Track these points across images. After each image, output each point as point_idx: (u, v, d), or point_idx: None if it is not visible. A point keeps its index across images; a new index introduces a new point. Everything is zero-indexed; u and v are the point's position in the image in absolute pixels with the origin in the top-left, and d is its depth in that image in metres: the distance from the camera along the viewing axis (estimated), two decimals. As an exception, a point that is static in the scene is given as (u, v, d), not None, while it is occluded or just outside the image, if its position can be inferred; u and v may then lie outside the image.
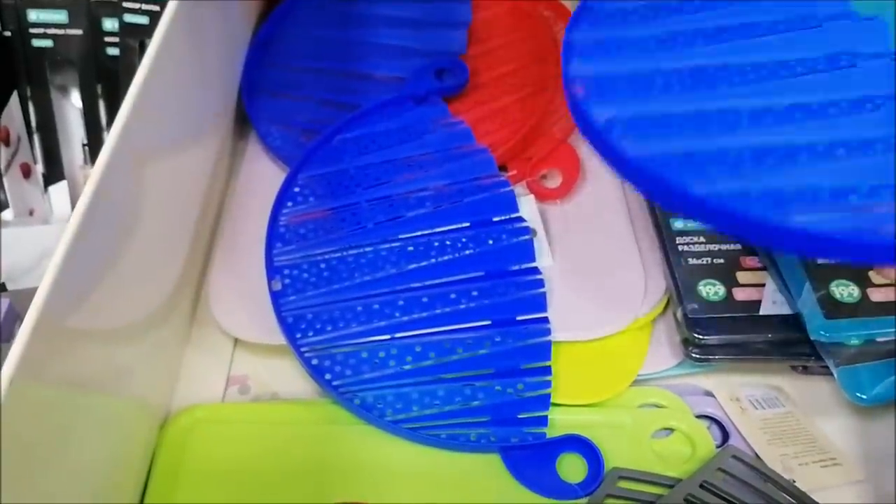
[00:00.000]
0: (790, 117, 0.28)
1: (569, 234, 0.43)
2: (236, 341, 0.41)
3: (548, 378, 0.37)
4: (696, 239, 0.41)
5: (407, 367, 0.37)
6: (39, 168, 0.45)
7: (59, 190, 0.44)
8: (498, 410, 0.36)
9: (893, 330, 0.36)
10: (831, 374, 0.37)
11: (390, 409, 0.36)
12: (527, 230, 0.41)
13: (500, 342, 0.37)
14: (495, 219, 0.41)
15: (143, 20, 0.45)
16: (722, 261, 0.40)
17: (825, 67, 0.29)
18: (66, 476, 0.27)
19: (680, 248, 0.40)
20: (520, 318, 0.38)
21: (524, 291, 0.39)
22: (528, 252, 0.40)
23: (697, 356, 0.38)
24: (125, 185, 0.30)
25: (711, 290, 0.39)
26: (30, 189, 0.44)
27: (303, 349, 0.37)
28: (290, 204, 0.42)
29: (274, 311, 0.38)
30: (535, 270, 0.39)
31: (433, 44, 0.49)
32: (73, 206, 0.43)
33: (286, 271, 0.40)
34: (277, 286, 0.39)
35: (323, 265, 0.40)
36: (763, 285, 0.39)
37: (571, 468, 0.35)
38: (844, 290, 0.37)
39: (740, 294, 0.39)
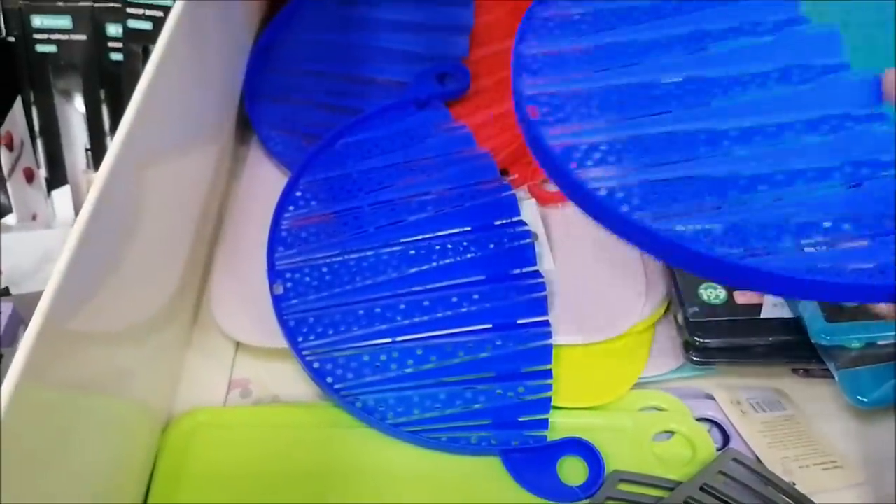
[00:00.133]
0: (748, 141, 0.27)
1: (570, 237, 0.43)
2: (238, 345, 0.41)
3: (548, 381, 0.37)
4: (696, 242, 0.41)
5: (408, 370, 0.37)
6: (42, 172, 0.45)
7: (62, 194, 0.44)
8: (499, 414, 0.36)
9: (894, 333, 0.36)
10: (832, 377, 0.37)
11: (391, 412, 0.36)
12: (528, 234, 0.41)
13: (502, 345, 0.37)
14: (497, 223, 0.41)
15: (147, 26, 0.45)
16: (723, 264, 0.40)
17: (777, 83, 0.28)
18: (69, 479, 0.27)
19: (680, 251, 0.40)
20: (521, 321, 0.38)
21: (525, 295, 0.39)
22: (529, 256, 0.40)
23: (698, 359, 0.38)
24: (128, 189, 0.30)
25: (712, 293, 0.39)
26: (33, 193, 0.44)
27: (304, 352, 0.37)
28: (291, 208, 0.42)
29: (275, 314, 0.38)
30: (537, 274, 0.39)
31: (435, 48, 0.49)
32: (76, 210, 0.44)
33: (288, 275, 0.40)
34: (279, 290, 0.39)
35: (325, 269, 0.40)
36: (763, 289, 0.39)
37: (572, 471, 0.35)
38: (845, 294, 0.37)
39: (741, 297, 0.39)
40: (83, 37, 0.45)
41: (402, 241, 0.41)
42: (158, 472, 0.35)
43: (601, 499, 0.34)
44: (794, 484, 0.34)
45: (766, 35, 0.29)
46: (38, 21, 0.45)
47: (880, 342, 0.36)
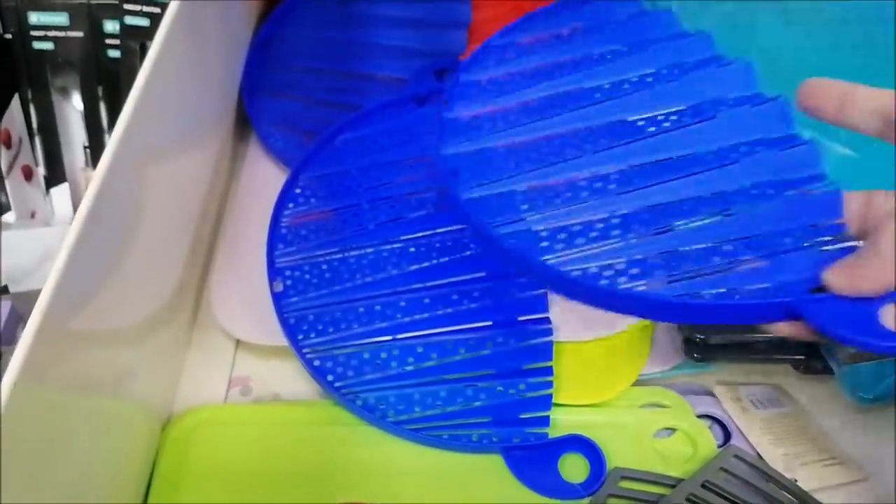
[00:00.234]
0: (655, 177, 0.28)
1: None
2: (238, 343, 0.41)
3: (549, 378, 0.37)
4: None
5: (409, 367, 0.37)
6: (41, 170, 0.45)
7: (61, 192, 0.44)
8: (500, 411, 0.36)
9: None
10: (832, 374, 0.37)
11: (392, 409, 0.36)
12: (528, 231, 0.41)
13: (502, 343, 0.37)
14: (496, 219, 0.41)
15: (144, 22, 0.45)
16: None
17: (691, 120, 0.29)
18: (69, 477, 0.27)
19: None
20: (521, 318, 0.38)
21: (525, 292, 0.39)
22: (529, 252, 0.40)
23: (699, 356, 0.38)
24: (127, 187, 0.30)
25: (713, 289, 0.38)
26: (31, 191, 0.44)
27: (304, 350, 0.37)
28: (291, 205, 0.42)
29: (276, 312, 0.38)
30: (537, 271, 0.39)
31: (434, 44, 0.49)
32: (75, 208, 0.44)
33: (288, 272, 0.40)
34: (279, 287, 0.39)
35: (324, 266, 0.40)
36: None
37: (573, 468, 0.35)
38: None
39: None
40: (80, 34, 0.45)
41: (402, 238, 0.40)
42: (159, 469, 0.35)
43: (603, 496, 0.34)
44: (796, 480, 0.34)
45: (683, 76, 0.31)
46: (34, 18, 0.45)
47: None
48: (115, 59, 0.45)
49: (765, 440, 0.37)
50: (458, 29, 0.50)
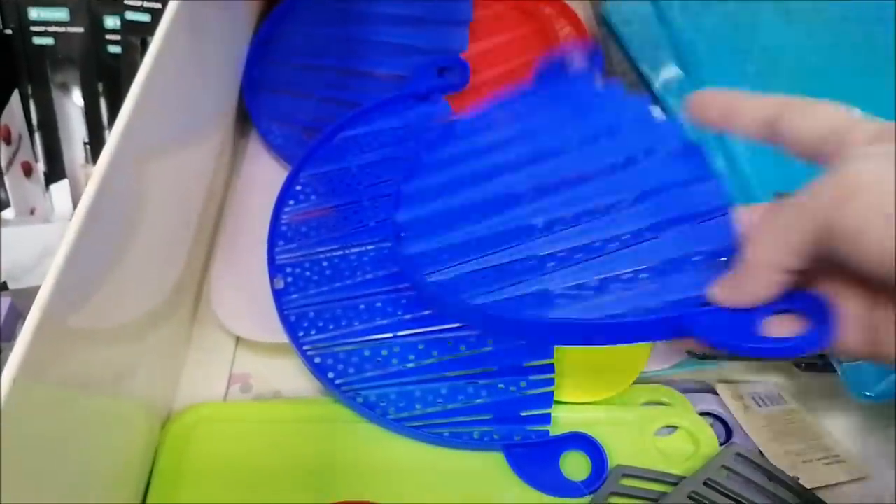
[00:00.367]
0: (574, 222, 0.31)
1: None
2: (238, 340, 0.41)
3: (551, 376, 0.37)
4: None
5: (409, 365, 0.37)
6: (41, 166, 0.45)
7: (61, 188, 0.44)
8: (501, 408, 0.36)
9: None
10: (834, 371, 0.37)
11: (393, 407, 0.36)
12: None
13: (503, 340, 0.37)
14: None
15: (145, 18, 0.45)
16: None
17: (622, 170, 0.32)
18: (69, 475, 0.27)
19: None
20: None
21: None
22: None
23: (701, 354, 0.38)
24: (127, 183, 0.30)
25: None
26: (31, 187, 0.44)
27: (305, 347, 0.37)
28: (291, 202, 0.42)
29: (276, 309, 0.38)
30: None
31: (434, 42, 0.49)
32: (75, 204, 0.43)
33: (288, 269, 0.40)
34: (279, 284, 0.39)
35: (325, 263, 0.40)
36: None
37: (575, 466, 0.35)
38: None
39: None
40: (80, 29, 0.45)
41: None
42: (159, 466, 0.35)
43: (604, 494, 0.34)
44: (798, 478, 0.34)
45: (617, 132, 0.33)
46: (34, 13, 0.44)
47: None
48: (115, 55, 0.45)
49: (766, 438, 0.37)
50: (459, 27, 0.49)
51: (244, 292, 0.41)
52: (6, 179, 0.41)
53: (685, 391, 0.39)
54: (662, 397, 0.39)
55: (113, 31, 0.45)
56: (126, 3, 0.44)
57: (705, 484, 0.34)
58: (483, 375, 0.37)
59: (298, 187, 0.42)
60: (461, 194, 0.34)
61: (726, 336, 0.24)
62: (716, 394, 0.39)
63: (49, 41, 0.45)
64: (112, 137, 0.28)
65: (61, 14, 0.44)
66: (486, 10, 0.51)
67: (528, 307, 0.29)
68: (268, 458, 0.36)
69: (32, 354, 0.23)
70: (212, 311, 0.41)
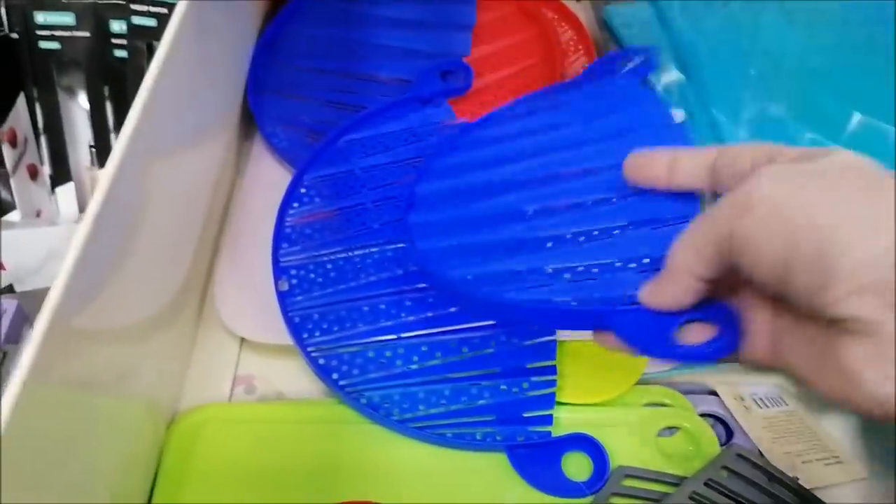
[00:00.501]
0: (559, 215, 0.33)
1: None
2: (242, 341, 0.41)
3: (553, 377, 0.37)
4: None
5: (413, 366, 0.37)
6: (46, 169, 0.45)
7: (66, 191, 0.44)
8: (503, 409, 0.36)
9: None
10: (835, 373, 0.37)
11: (397, 408, 0.36)
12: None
13: (506, 341, 0.38)
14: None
15: (151, 22, 0.45)
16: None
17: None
18: (75, 475, 0.27)
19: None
20: (525, 317, 0.38)
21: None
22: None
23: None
24: (135, 186, 0.30)
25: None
26: (37, 190, 0.44)
27: (309, 349, 0.37)
28: (296, 205, 0.42)
29: (280, 311, 0.38)
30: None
31: (438, 45, 0.49)
32: (80, 207, 0.44)
33: (293, 271, 0.40)
34: (284, 286, 0.39)
35: (329, 265, 0.40)
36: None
37: (577, 467, 0.36)
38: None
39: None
40: (86, 33, 0.45)
41: (406, 237, 0.40)
42: (164, 467, 0.36)
43: (606, 494, 0.34)
44: (798, 479, 0.35)
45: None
46: (41, 18, 0.45)
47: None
48: (121, 59, 0.45)
49: (767, 439, 0.37)
50: (463, 31, 0.50)
51: (249, 294, 0.41)
52: (12, 182, 0.42)
53: (686, 392, 0.39)
54: (664, 399, 0.39)
55: (119, 36, 0.45)
56: (132, 7, 0.45)
57: (706, 484, 0.34)
58: (486, 377, 0.37)
59: (303, 190, 0.43)
60: (473, 200, 0.35)
61: (642, 338, 0.26)
62: (716, 395, 0.39)
63: (55, 45, 0.45)
64: (120, 141, 0.29)
65: (67, 18, 0.45)
66: (488, 14, 0.51)
67: (494, 284, 0.31)
68: (272, 459, 0.36)
69: (42, 357, 0.23)
70: (216, 313, 0.41)
